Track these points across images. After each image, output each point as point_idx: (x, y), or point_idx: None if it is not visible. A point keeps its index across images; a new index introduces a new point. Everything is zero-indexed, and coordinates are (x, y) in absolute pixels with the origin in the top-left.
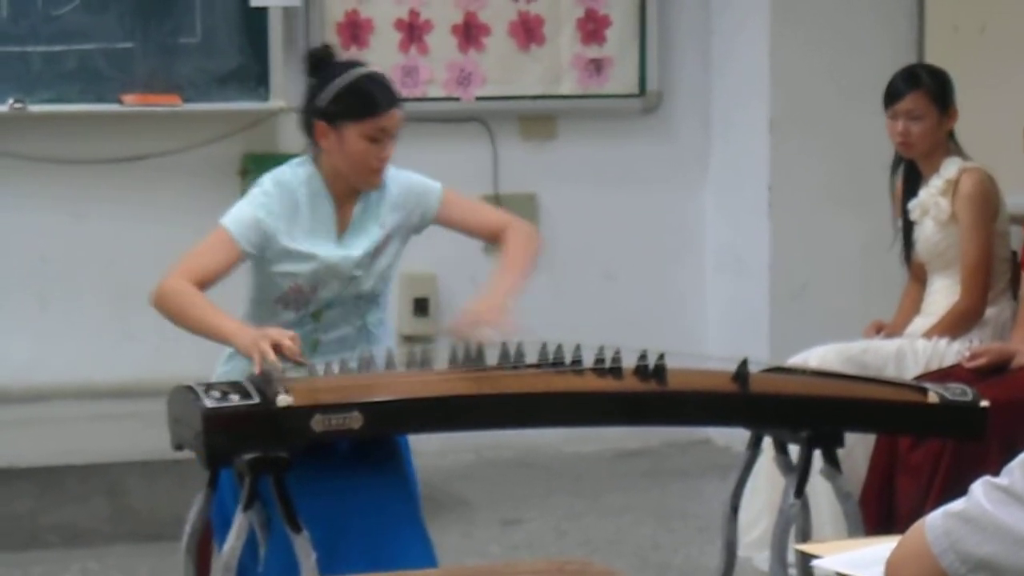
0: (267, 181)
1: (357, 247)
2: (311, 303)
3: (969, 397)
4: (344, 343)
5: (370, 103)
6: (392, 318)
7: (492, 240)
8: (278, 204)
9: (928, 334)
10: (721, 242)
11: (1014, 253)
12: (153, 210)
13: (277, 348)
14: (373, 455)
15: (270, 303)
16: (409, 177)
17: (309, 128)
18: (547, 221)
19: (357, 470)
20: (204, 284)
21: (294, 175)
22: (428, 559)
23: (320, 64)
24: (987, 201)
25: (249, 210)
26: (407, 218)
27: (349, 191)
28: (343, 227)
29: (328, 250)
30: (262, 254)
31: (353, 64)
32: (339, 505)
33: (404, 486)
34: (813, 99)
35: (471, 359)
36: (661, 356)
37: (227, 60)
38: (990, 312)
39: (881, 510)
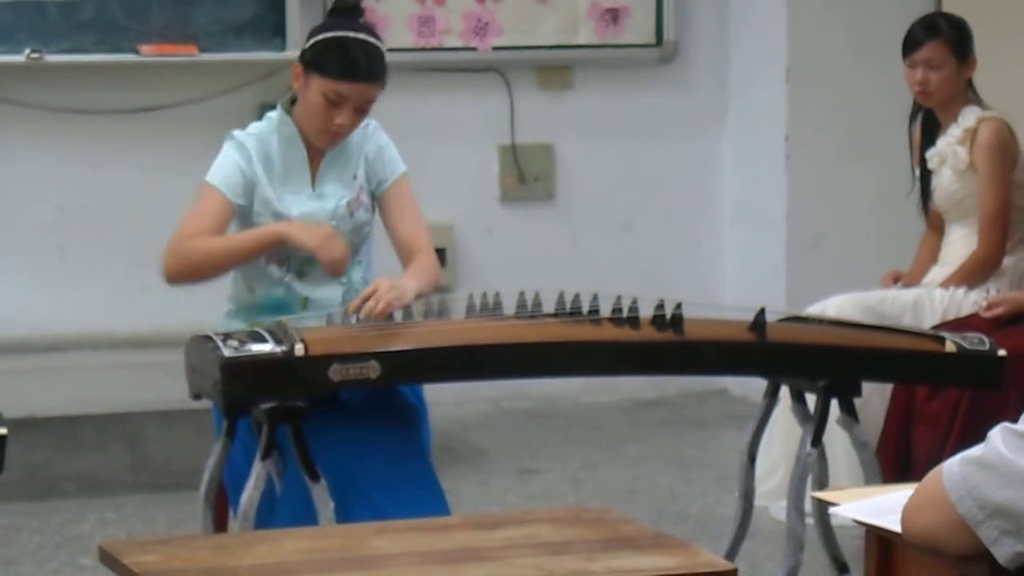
0: (239, 133)
1: (331, 197)
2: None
3: (986, 346)
4: (332, 301)
5: (340, 66)
6: None
7: (402, 254)
8: (254, 152)
9: (945, 284)
10: (738, 192)
11: None
12: (170, 160)
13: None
14: (386, 405)
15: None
16: (388, 144)
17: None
18: (564, 171)
19: (370, 420)
20: None
21: (267, 124)
22: (443, 508)
23: (338, 11)
24: (1005, 150)
25: (229, 162)
26: (372, 178)
27: None
28: (316, 175)
29: (302, 200)
30: (249, 204)
31: (356, 26)
32: (353, 455)
33: (417, 435)
34: (830, 50)
35: (488, 308)
36: (678, 306)
37: (244, 10)
38: (1007, 262)
39: (898, 459)
